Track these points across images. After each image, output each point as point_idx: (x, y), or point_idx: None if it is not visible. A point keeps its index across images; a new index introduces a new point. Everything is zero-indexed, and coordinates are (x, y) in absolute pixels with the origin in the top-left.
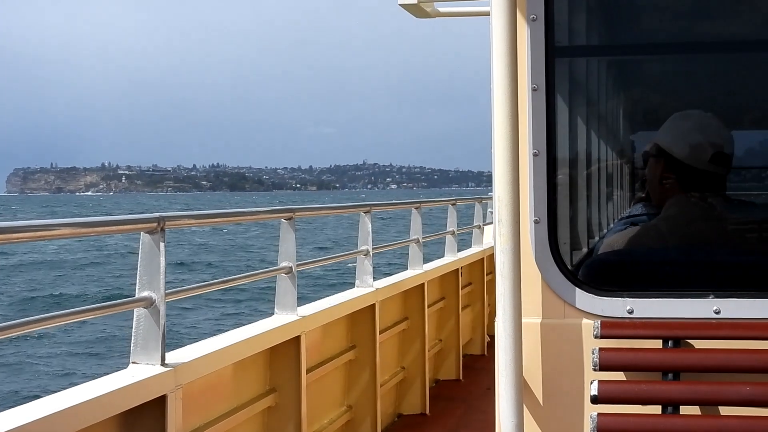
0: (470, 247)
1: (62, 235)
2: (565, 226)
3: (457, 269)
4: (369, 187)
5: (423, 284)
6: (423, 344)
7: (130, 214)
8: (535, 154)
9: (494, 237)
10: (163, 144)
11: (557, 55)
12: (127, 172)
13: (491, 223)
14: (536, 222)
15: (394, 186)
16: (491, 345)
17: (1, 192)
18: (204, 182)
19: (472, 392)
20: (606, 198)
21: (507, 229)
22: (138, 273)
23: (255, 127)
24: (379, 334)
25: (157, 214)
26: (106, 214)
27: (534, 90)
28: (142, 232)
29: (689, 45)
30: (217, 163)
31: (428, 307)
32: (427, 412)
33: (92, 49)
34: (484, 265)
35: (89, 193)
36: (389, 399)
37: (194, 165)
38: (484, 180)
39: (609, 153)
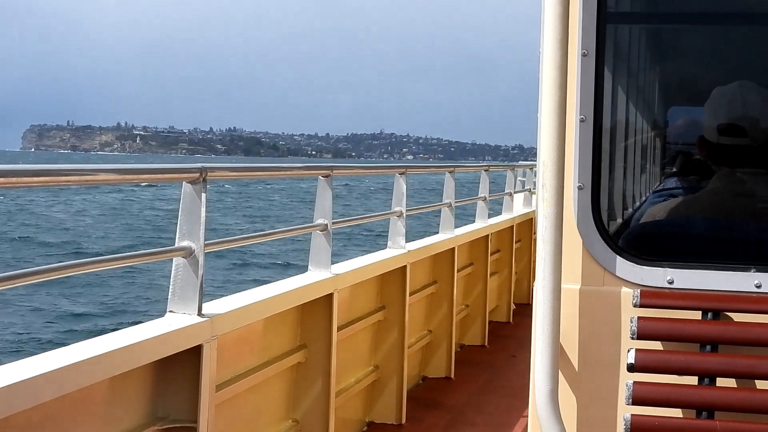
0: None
1: (107, 180)
2: (608, 194)
3: (487, 235)
4: (385, 156)
5: (453, 249)
6: (450, 308)
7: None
8: (581, 120)
9: (537, 202)
10: (181, 106)
11: (609, 21)
12: (142, 133)
13: (522, 191)
14: (580, 188)
15: (410, 157)
16: (517, 313)
17: (17, 148)
18: (219, 146)
19: (497, 359)
20: (650, 168)
21: (551, 195)
22: (178, 223)
23: (273, 92)
24: (409, 296)
25: (199, 165)
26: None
27: (584, 55)
28: (183, 182)
29: (743, 16)
30: (234, 127)
31: (457, 271)
32: (452, 376)
33: (112, 7)
34: (513, 233)
35: (102, 153)
36: (415, 361)
37: (211, 128)
38: (500, 154)
39: (655, 123)
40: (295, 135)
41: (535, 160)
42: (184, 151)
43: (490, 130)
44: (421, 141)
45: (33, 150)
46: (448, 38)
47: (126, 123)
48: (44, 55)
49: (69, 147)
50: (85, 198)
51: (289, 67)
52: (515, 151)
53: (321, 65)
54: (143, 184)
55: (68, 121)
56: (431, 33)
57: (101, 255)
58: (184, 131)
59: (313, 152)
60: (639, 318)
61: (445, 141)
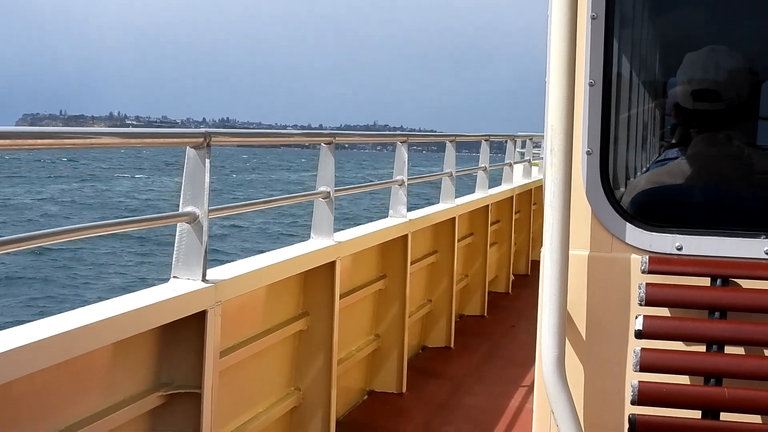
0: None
1: (111, 143)
2: (617, 160)
3: (487, 206)
4: (378, 148)
5: (454, 218)
6: (450, 278)
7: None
8: (590, 85)
9: (545, 167)
10: (174, 97)
11: None
12: (134, 122)
13: (521, 161)
14: (588, 154)
15: (403, 149)
16: (516, 284)
17: None
18: None
19: (497, 329)
20: (660, 133)
21: (559, 159)
22: (182, 188)
23: (267, 83)
24: (410, 265)
25: (203, 130)
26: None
27: (593, 18)
28: (187, 147)
29: None
30: (227, 118)
31: (458, 241)
32: (452, 345)
33: None
34: (513, 204)
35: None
36: (415, 331)
37: (204, 118)
38: (494, 147)
39: (664, 88)
40: (289, 126)
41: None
42: None
43: (485, 122)
44: (413, 131)
45: None
46: (443, 28)
47: (119, 113)
48: (37, 45)
49: None
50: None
51: (283, 58)
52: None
53: (316, 56)
54: (126, 176)
55: (61, 111)
56: (426, 22)
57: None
58: (177, 121)
59: (307, 145)
60: (647, 284)
61: (438, 131)
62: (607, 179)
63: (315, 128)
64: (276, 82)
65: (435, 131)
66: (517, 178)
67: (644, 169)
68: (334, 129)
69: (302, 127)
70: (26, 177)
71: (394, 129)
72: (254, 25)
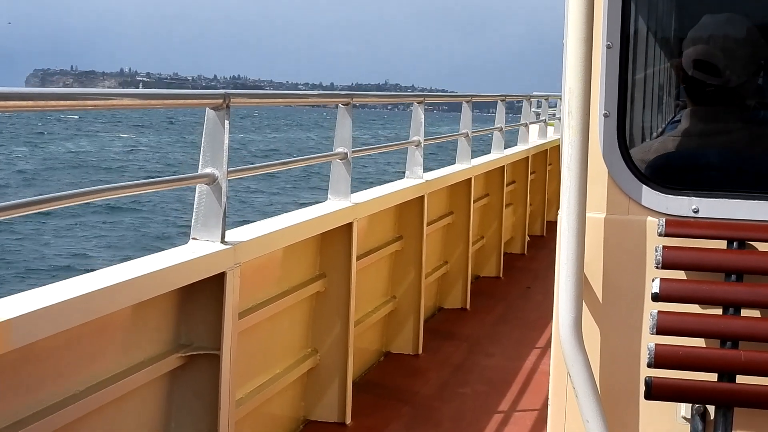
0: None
1: (131, 105)
2: (634, 122)
3: (503, 167)
4: (389, 108)
5: (470, 179)
6: (466, 240)
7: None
8: (608, 47)
9: (562, 129)
10: (185, 54)
11: None
12: (145, 79)
13: (537, 121)
14: (606, 116)
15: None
16: (531, 245)
17: None
18: None
19: (512, 291)
20: (677, 96)
21: (576, 122)
22: (201, 149)
23: (277, 40)
24: (426, 226)
25: (222, 91)
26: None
27: None
28: (207, 108)
29: None
30: (238, 75)
31: (473, 202)
32: (468, 307)
33: None
34: (529, 165)
35: None
36: (431, 292)
37: (215, 75)
38: (506, 106)
39: (680, 50)
40: (300, 84)
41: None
42: None
43: (497, 82)
44: (426, 92)
45: None
46: None
47: (129, 69)
48: (46, 0)
49: None
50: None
51: (294, 15)
52: (520, 104)
53: (326, 13)
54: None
55: (71, 66)
56: None
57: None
58: (188, 78)
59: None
60: (664, 247)
61: (451, 92)
62: (624, 142)
63: (326, 86)
64: (287, 39)
65: (447, 91)
66: (533, 138)
67: (661, 131)
68: (345, 87)
69: (313, 86)
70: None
71: (406, 89)
72: None
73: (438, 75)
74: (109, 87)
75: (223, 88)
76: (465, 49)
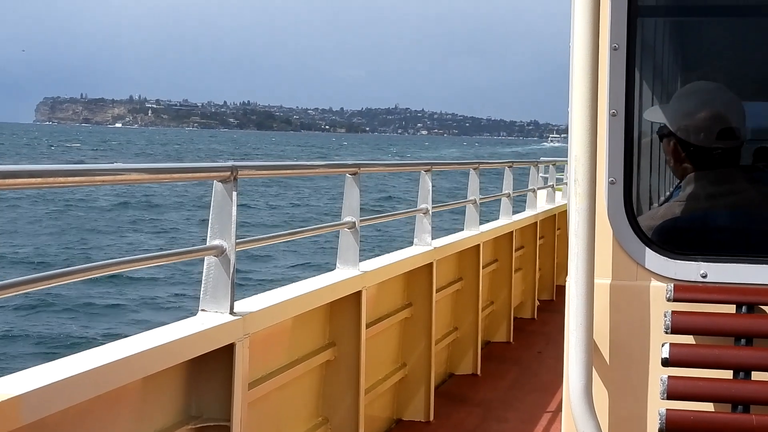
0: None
1: (138, 180)
2: (640, 188)
3: (511, 232)
4: (399, 132)
5: (479, 245)
6: (476, 305)
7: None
8: (613, 114)
9: (569, 197)
10: (195, 80)
11: (639, 15)
12: (154, 106)
13: (545, 187)
14: (612, 183)
15: (424, 132)
16: (541, 309)
17: (30, 120)
18: (231, 119)
19: (523, 355)
20: (682, 161)
21: (583, 189)
22: (209, 221)
23: (288, 67)
24: (436, 292)
25: (230, 164)
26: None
27: (614, 49)
28: (215, 181)
29: None
30: (248, 101)
31: (482, 268)
32: (479, 372)
33: None
34: (537, 230)
35: (118, 125)
36: (442, 358)
37: (225, 102)
38: (516, 130)
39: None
40: (309, 109)
41: (562, 154)
42: (196, 124)
43: (506, 106)
44: (435, 116)
45: (48, 123)
46: (465, 12)
47: (139, 96)
48: (58, 28)
49: (81, 119)
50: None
51: (304, 40)
52: (530, 127)
53: (337, 39)
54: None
55: (81, 94)
56: (447, 6)
57: (133, 256)
58: (198, 105)
59: (327, 126)
60: (673, 312)
61: (460, 116)
62: (630, 208)
63: (336, 111)
64: (296, 64)
65: (456, 114)
66: (541, 203)
67: (667, 196)
68: (355, 112)
69: (323, 110)
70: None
71: (415, 112)
72: (274, 5)
73: (447, 98)
74: (119, 113)
75: (233, 113)
76: (473, 72)
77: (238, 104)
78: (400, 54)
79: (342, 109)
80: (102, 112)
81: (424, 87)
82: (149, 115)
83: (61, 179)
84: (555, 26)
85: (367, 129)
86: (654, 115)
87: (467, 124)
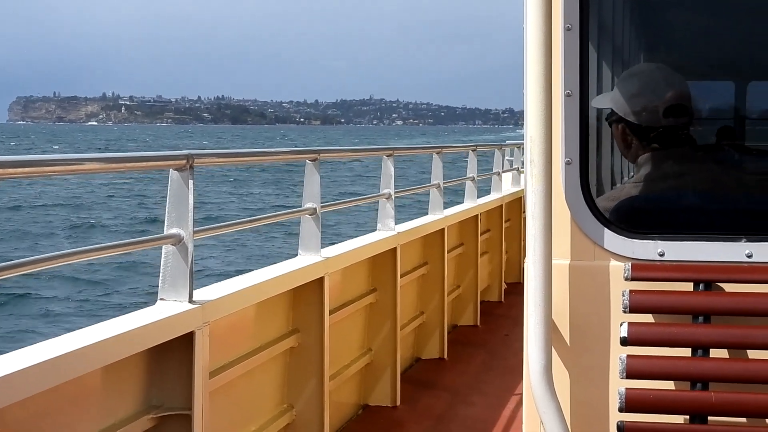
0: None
1: (92, 169)
2: (596, 168)
3: (477, 216)
4: (374, 122)
5: (443, 229)
6: (442, 289)
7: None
8: (567, 95)
9: (526, 178)
10: (168, 75)
11: None
12: (127, 102)
13: (510, 170)
14: (568, 163)
15: (399, 122)
16: (508, 292)
17: (3, 120)
18: (206, 114)
19: (490, 338)
20: (639, 141)
21: (539, 170)
22: (166, 210)
23: (262, 60)
24: (400, 278)
25: (186, 152)
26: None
27: (568, 29)
28: (170, 170)
29: None
30: (222, 95)
31: (448, 252)
32: (446, 356)
33: None
34: (503, 213)
35: (93, 123)
36: (408, 343)
37: (199, 97)
38: (491, 118)
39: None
40: (284, 102)
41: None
42: (170, 120)
43: (481, 95)
44: (410, 106)
45: (22, 122)
46: (439, 6)
47: (112, 93)
48: (29, 26)
49: (55, 118)
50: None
51: (278, 33)
52: (505, 115)
53: (310, 30)
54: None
55: (54, 92)
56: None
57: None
58: (172, 100)
59: (302, 119)
60: (631, 291)
61: (435, 106)
62: (587, 188)
63: (311, 104)
64: (272, 58)
65: (431, 104)
66: (506, 186)
67: (624, 176)
68: (330, 104)
69: (298, 103)
70: None
71: (390, 103)
72: (250, 1)
73: (423, 88)
74: (92, 111)
75: (206, 108)
76: (448, 61)
77: (212, 99)
78: (375, 44)
79: (317, 101)
80: (75, 110)
81: (399, 77)
82: (123, 111)
83: (11, 170)
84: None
85: (342, 121)
86: (601, 102)
87: (442, 114)
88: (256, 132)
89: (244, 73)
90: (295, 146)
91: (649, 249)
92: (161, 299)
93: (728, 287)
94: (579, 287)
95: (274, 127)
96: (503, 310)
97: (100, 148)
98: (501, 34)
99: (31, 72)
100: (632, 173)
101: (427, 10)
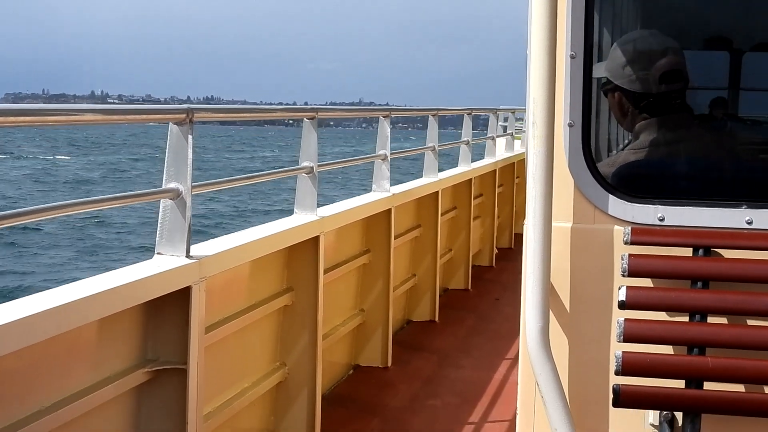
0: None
1: (93, 120)
2: (599, 131)
3: (470, 180)
4: (363, 126)
5: (437, 192)
6: (434, 252)
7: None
8: (572, 56)
9: (527, 140)
10: (159, 75)
11: None
12: (116, 101)
13: (504, 135)
14: (570, 126)
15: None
16: (499, 257)
17: None
18: None
19: (481, 302)
20: (640, 106)
21: (541, 132)
22: (165, 164)
23: (253, 61)
24: (394, 239)
25: (185, 106)
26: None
27: None
28: (170, 123)
29: None
30: (212, 96)
31: (441, 215)
32: (437, 319)
33: None
34: (496, 178)
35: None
36: (400, 305)
37: (188, 96)
38: (480, 123)
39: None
40: (274, 104)
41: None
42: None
43: (471, 100)
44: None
45: None
46: (431, 9)
47: (101, 91)
48: (19, 24)
49: None
50: None
51: (269, 35)
52: (487, 118)
53: (301, 33)
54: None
55: (43, 90)
56: (415, 3)
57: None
58: (161, 99)
59: (291, 121)
60: (630, 255)
61: (422, 107)
62: (589, 151)
63: (300, 105)
64: (261, 58)
65: (421, 108)
66: (500, 151)
67: (626, 140)
68: (320, 107)
69: (287, 104)
70: None
71: (380, 106)
72: (242, 1)
73: (413, 92)
74: None
75: None
76: (439, 64)
77: (202, 99)
78: (366, 48)
79: (306, 103)
80: None
81: (392, 80)
82: None
83: (12, 119)
84: (522, 16)
85: (332, 123)
86: (597, 71)
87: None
88: (240, 132)
89: (234, 75)
90: (277, 148)
91: (649, 213)
92: (158, 253)
93: (727, 253)
94: (578, 250)
95: (263, 128)
96: (494, 274)
97: (82, 146)
98: (494, 36)
99: (20, 69)
100: (633, 138)
101: (420, 12)
